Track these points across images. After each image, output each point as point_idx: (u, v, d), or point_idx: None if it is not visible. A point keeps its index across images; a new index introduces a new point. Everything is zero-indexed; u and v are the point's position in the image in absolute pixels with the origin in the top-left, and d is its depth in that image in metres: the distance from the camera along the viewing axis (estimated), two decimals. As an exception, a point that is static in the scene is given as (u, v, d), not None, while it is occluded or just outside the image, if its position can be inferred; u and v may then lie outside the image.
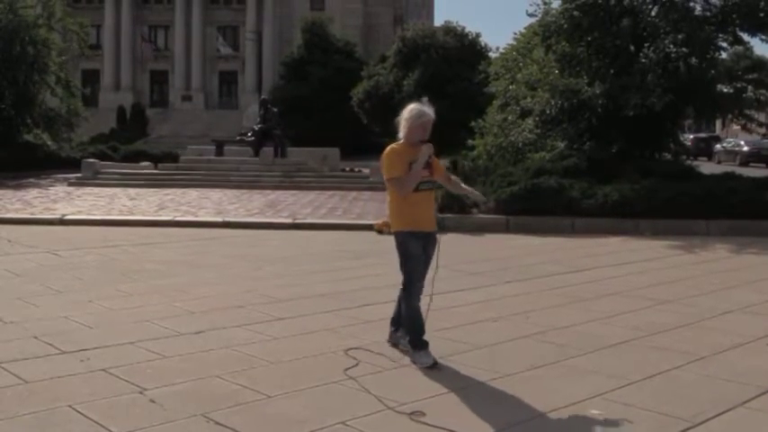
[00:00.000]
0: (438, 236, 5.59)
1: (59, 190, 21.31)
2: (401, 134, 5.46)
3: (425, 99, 5.54)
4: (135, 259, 10.14)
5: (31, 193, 20.17)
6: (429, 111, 5.44)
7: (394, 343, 5.80)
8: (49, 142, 29.85)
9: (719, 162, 38.90)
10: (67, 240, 11.70)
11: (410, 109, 5.44)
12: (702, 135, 48.75)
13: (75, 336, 6.03)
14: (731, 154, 40.94)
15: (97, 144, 35.20)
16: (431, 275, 5.59)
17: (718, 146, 43.82)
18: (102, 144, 34.82)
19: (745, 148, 40.16)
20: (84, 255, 10.43)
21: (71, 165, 26.86)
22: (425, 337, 5.46)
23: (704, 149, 42.82)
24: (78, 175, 23.92)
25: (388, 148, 5.49)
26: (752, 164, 37.22)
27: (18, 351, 5.55)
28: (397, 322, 5.83)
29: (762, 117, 20.98)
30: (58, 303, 7.25)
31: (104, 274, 8.97)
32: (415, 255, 5.46)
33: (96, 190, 21.08)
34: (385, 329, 6.30)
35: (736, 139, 43.77)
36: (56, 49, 28.56)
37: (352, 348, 5.68)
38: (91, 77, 61.62)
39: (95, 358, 5.40)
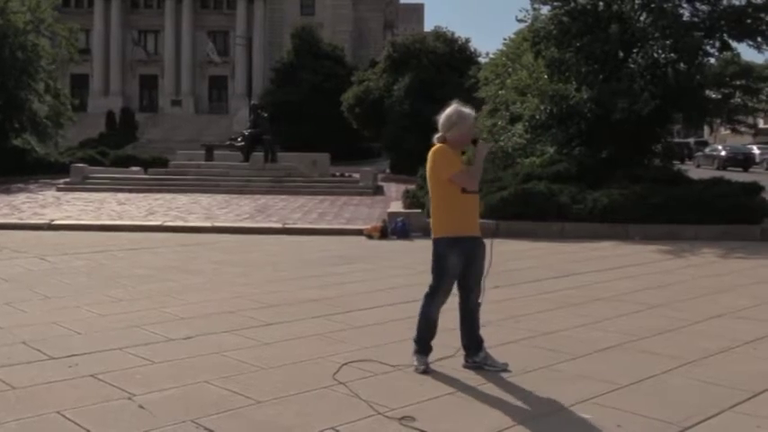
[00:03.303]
0: (492, 239, 5.42)
1: (48, 195, 21.22)
2: (446, 137, 5.17)
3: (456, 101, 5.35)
4: (124, 264, 10.10)
5: (20, 198, 20.08)
6: (471, 110, 5.27)
7: (475, 366, 5.32)
8: (38, 147, 29.75)
9: (698, 166, 40.52)
10: (56, 245, 11.65)
11: (458, 112, 5.17)
12: (678, 140, 49.77)
13: (64, 341, 5.99)
14: (710, 158, 42.82)
15: (86, 149, 35.09)
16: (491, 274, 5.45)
17: (706, 150, 45.15)
18: (91, 149, 34.70)
19: (723, 153, 42.19)
20: (73, 260, 10.38)
21: (60, 170, 26.78)
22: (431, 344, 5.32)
23: (677, 154, 44.01)
24: (67, 179, 23.83)
25: (439, 148, 5.17)
26: (729, 168, 38.69)
27: (6, 357, 5.51)
28: (469, 343, 5.38)
29: (750, 121, 21.16)
30: (46, 309, 7.21)
31: (93, 279, 8.94)
32: (450, 271, 5.18)
33: (85, 195, 21.00)
34: (375, 334, 6.30)
35: (715, 145, 45.85)
36: (45, 56, 28.50)
37: (342, 353, 5.66)
38: (80, 82, 61.40)
39: (84, 364, 5.37)
